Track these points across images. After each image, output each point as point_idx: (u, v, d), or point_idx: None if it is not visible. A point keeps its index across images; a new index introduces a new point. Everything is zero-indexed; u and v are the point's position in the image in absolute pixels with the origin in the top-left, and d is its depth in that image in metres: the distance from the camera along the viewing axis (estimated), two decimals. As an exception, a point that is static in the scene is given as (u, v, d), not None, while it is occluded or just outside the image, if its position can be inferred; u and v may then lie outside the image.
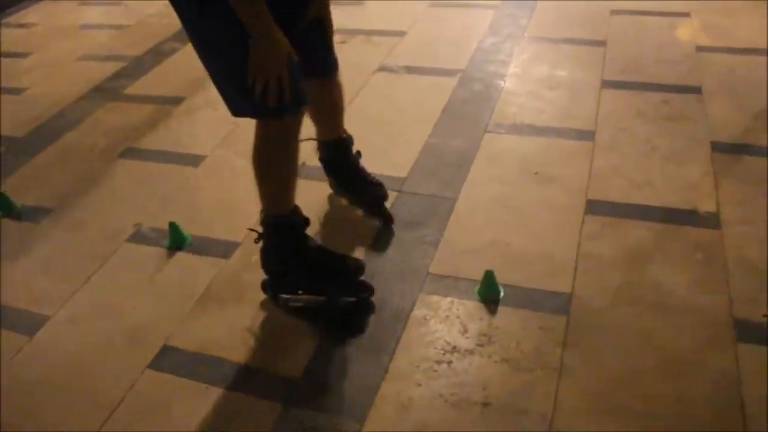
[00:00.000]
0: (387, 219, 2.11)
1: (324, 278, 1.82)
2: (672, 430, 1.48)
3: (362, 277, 1.85)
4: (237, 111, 1.66)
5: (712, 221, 2.02)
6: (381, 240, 2.07)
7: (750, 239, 1.95)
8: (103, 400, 1.67)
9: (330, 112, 2.04)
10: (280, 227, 1.79)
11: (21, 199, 2.45)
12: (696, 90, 2.69)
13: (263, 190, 1.76)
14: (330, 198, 2.26)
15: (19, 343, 1.86)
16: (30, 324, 1.92)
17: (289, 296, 1.83)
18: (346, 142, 2.11)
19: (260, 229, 1.81)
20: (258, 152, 1.71)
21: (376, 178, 2.16)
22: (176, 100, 3.02)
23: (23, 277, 2.11)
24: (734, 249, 1.92)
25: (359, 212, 2.19)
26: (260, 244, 1.83)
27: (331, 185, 2.25)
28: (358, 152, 2.15)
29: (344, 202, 2.23)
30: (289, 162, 1.72)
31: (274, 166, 1.72)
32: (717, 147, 2.35)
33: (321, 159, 2.17)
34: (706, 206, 2.08)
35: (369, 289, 1.84)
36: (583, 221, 2.05)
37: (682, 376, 1.59)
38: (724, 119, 2.50)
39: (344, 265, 1.85)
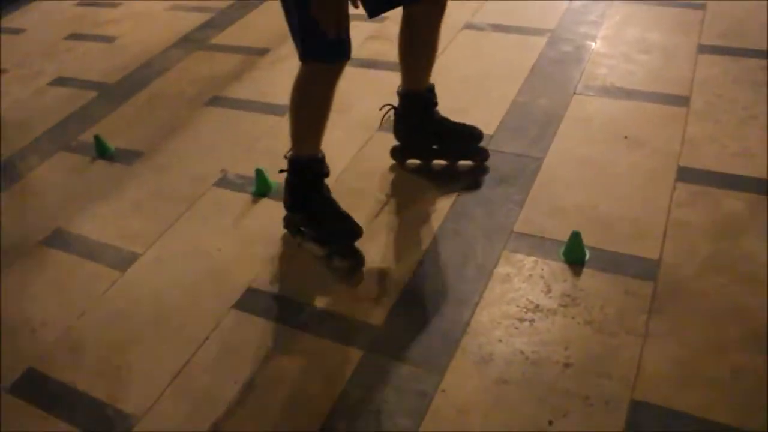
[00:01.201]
0: (483, 154, 2.13)
1: (323, 231, 1.89)
2: (757, 406, 1.43)
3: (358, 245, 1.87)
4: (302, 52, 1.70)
5: (812, 195, 1.93)
6: (466, 197, 2.06)
7: None
8: (189, 336, 1.74)
9: (424, 56, 2.01)
10: (299, 168, 1.87)
11: (114, 141, 2.54)
12: (802, 58, 2.55)
13: (292, 128, 1.85)
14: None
15: (112, 277, 1.95)
16: (122, 260, 2.00)
17: (299, 239, 1.94)
18: (433, 91, 2.08)
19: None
20: (294, 92, 1.79)
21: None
22: (261, 51, 3.05)
23: (116, 215, 2.20)
24: (834, 224, 1.83)
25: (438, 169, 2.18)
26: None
27: (396, 153, 2.21)
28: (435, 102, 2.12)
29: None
30: (319, 108, 1.79)
31: (304, 108, 1.81)
32: (821, 118, 2.23)
33: (396, 114, 2.12)
34: (807, 179, 1.99)
35: (360, 260, 1.85)
36: (674, 187, 1.99)
37: (773, 351, 1.54)
38: (830, 88, 2.37)
39: (342, 224, 1.87)
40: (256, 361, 1.66)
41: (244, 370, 1.64)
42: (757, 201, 1.93)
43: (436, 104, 2.10)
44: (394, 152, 2.20)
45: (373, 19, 1.84)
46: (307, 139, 1.85)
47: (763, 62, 2.53)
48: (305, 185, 1.89)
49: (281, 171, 1.91)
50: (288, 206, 1.95)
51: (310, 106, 1.80)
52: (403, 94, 2.09)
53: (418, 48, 2.00)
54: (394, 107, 2.09)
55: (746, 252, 1.77)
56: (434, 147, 2.15)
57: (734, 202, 1.93)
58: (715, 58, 2.59)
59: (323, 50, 1.66)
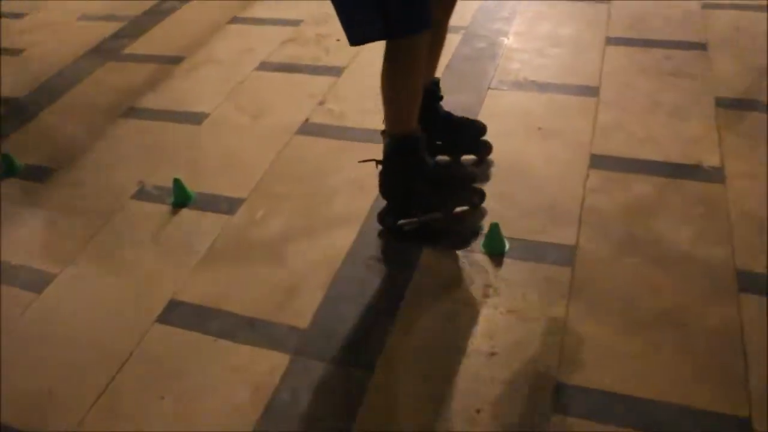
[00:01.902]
0: (487, 148, 2.15)
1: (443, 194, 1.92)
2: (675, 377, 1.50)
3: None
4: (362, 37, 1.68)
5: (715, 175, 2.03)
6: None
7: (753, 193, 1.96)
8: (112, 354, 1.68)
9: (438, 47, 2.02)
10: (403, 146, 1.82)
11: (24, 158, 2.44)
12: (701, 46, 2.67)
13: (389, 110, 1.81)
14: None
15: (27, 300, 1.87)
16: (37, 281, 1.92)
17: (405, 221, 1.93)
18: (438, 85, 2.09)
19: (377, 158, 1.87)
20: (386, 74, 1.75)
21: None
22: (177, 59, 2.99)
23: (29, 235, 2.11)
24: (737, 202, 1.93)
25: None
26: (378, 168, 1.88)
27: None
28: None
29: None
30: (414, 81, 1.77)
31: (408, 85, 1.77)
32: (721, 103, 2.35)
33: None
34: (710, 161, 2.09)
35: (480, 194, 1.95)
36: (587, 175, 2.06)
37: (686, 325, 1.60)
38: (728, 75, 2.49)
39: (460, 177, 1.97)
40: (183, 373, 1.62)
41: (171, 383, 1.60)
42: (664, 183, 2.02)
43: (441, 98, 2.11)
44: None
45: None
46: (414, 112, 1.80)
47: (666, 52, 2.65)
48: (414, 160, 1.85)
49: (377, 163, 1.85)
50: (395, 193, 1.91)
51: (414, 79, 1.77)
52: None
53: (433, 44, 1.99)
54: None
55: (657, 234, 1.85)
56: (438, 143, 2.11)
57: (644, 186, 2.01)
58: (621, 50, 2.70)
59: (428, 19, 1.66)
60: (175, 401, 1.56)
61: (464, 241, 1.88)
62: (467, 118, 2.16)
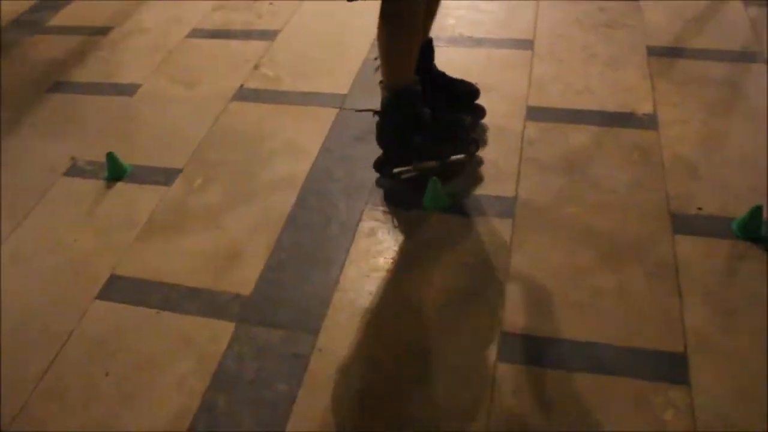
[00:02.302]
0: (481, 112, 2.15)
1: (439, 143, 1.96)
2: (616, 318, 1.54)
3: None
4: None
5: (649, 122, 2.07)
6: (325, 156, 2.07)
7: (685, 138, 2.01)
8: (53, 334, 1.65)
9: (435, 5, 2.00)
10: (401, 99, 1.86)
11: (-54, 139, 2.34)
12: (633, -3, 2.70)
13: (387, 66, 1.84)
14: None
15: (-41, 283, 1.81)
16: (-31, 264, 1.86)
17: (401, 169, 1.98)
18: (432, 44, 2.09)
19: (376, 108, 1.91)
20: (383, 33, 1.80)
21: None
22: (103, 30, 2.88)
23: (-43, 217, 2.03)
24: (670, 148, 1.98)
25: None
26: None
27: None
28: None
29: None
30: (412, 40, 1.81)
31: (406, 39, 1.80)
32: (653, 51, 2.39)
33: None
34: (644, 108, 2.12)
35: (476, 143, 2.01)
36: (524, 127, 2.07)
37: (624, 268, 1.65)
38: (659, 24, 2.53)
39: (456, 127, 1.98)
40: (126, 349, 1.59)
41: (114, 360, 1.57)
42: (601, 132, 2.05)
43: (434, 58, 2.10)
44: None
45: None
46: (411, 66, 1.84)
47: (600, 3, 2.67)
48: (413, 111, 1.88)
49: (375, 113, 1.90)
50: (392, 143, 1.95)
51: (412, 38, 1.81)
52: None
53: (430, 2, 1.98)
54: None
55: (594, 181, 1.88)
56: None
57: (581, 136, 2.04)
58: (555, 3, 2.71)
59: None
60: (120, 378, 1.53)
61: (406, 200, 1.88)
62: (461, 80, 2.16)
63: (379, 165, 1.99)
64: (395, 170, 1.98)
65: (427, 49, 2.06)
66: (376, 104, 2.18)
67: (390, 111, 1.89)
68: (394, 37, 1.81)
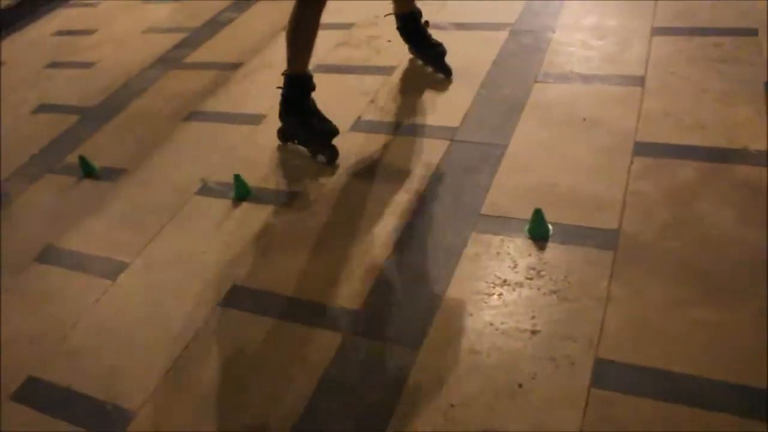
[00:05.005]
0: (446, 72, 2.67)
1: (306, 135, 2.39)
2: (714, 354, 1.53)
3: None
4: None
5: (760, 159, 2.03)
6: (435, 185, 2.17)
7: (800, 175, 1.96)
8: (179, 335, 1.83)
9: None
10: (293, 82, 2.32)
11: (98, 161, 2.63)
12: (752, 32, 2.65)
13: (290, 51, 2.29)
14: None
15: (103, 286, 2.04)
16: (111, 270, 2.09)
17: (289, 142, 2.47)
18: (415, 13, 2.63)
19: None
20: (292, 23, 2.25)
21: (437, 40, 2.70)
22: (234, 66, 3.16)
23: (104, 229, 2.29)
24: (783, 185, 1.93)
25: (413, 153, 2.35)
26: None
27: (409, 49, 2.81)
28: (426, 22, 2.67)
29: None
30: (311, 32, 2.26)
31: (301, 34, 2.26)
32: (771, 87, 2.34)
33: (398, 28, 2.70)
34: (756, 145, 2.09)
35: (335, 153, 2.35)
36: (631, 162, 2.09)
37: (726, 304, 1.63)
38: (779, 60, 2.48)
39: (324, 125, 2.35)
40: (243, 352, 1.75)
41: (232, 361, 1.73)
42: (709, 168, 2.03)
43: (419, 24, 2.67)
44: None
45: None
46: (300, 58, 2.28)
47: (715, 39, 2.64)
48: (298, 95, 2.33)
49: (278, 87, 2.35)
50: (282, 115, 2.41)
51: (306, 31, 2.25)
52: (400, 16, 2.66)
53: None
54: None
55: (700, 216, 1.87)
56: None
57: (688, 171, 2.03)
58: (668, 39, 2.70)
59: None
60: (235, 378, 1.68)
61: (509, 228, 1.94)
62: (434, 42, 2.68)
63: (279, 133, 2.48)
64: (287, 141, 2.46)
65: (413, 17, 2.63)
66: (487, 138, 2.32)
67: (285, 93, 2.35)
68: (296, 31, 2.25)
